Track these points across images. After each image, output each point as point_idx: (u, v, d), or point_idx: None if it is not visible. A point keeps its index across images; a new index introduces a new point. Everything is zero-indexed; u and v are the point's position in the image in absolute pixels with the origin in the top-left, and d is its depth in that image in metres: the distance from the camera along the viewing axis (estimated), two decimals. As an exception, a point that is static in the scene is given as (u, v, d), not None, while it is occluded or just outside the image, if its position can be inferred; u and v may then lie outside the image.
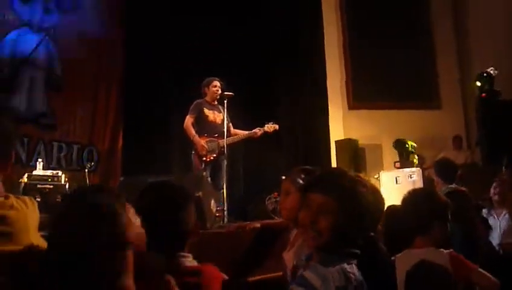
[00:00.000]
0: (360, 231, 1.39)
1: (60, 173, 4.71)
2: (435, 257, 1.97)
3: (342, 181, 1.40)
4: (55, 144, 6.14)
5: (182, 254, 1.49)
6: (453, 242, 2.44)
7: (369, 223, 1.44)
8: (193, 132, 4.71)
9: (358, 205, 1.36)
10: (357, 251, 1.39)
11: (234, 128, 4.88)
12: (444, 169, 4.03)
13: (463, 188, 3.75)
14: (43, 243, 1.46)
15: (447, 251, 2.00)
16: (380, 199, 1.56)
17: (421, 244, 2.03)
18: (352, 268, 1.35)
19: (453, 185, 4.07)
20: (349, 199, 1.36)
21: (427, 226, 2.03)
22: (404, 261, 2.00)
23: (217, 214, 3.84)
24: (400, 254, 2.05)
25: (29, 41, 6.21)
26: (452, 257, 1.96)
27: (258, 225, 2.20)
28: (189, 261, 1.49)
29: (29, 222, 1.42)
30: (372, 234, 1.82)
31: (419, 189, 2.31)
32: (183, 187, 1.65)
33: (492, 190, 3.74)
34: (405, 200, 2.17)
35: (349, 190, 1.38)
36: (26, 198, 1.48)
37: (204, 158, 4.64)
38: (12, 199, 1.40)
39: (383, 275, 1.79)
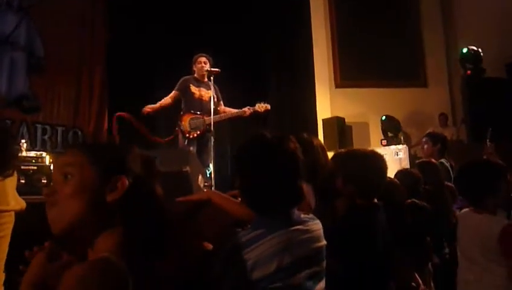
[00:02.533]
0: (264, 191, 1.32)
1: (44, 154, 4.63)
2: (489, 224, 2.08)
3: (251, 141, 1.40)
4: (39, 126, 6.05)
5: None
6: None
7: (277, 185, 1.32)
8: (162, 101, 4.74)
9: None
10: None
11: (225, 105, 4.85)
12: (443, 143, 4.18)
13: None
14: (21, 203, 1.45)
15: (505, 222, 2.09)
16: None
17: (479, 210, 2.17)
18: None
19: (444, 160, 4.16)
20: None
21: (482, 200, 2.16)
22: (462, 225, 2.24)
23: (205, 190, 3.81)
24: (461, 212, 2.30)
25: (8, 22, 6.05)
26: (504, 229, 2.01)
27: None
28: None
29: (6, 181, 1.40)
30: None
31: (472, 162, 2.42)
32: None
33: None
34: (459, 171, 2.38)
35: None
36: None
37: (187, 135, 4.61)
38: None
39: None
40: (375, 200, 1.90)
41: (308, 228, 1.35)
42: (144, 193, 1.04)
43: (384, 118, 6.57)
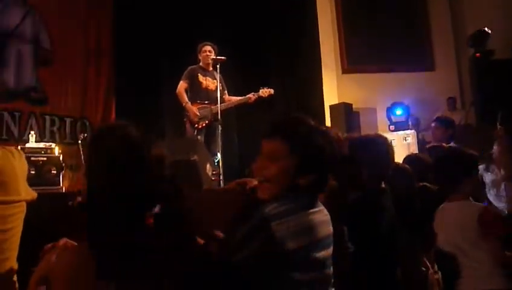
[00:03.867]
0: (313, 181, 1.35)
1: (53, 145, 4.67)
2: (465, 209, 2.16)
3: (294, 128, 1.37)
4: (47, 117, 6.08)
5: None
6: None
7: (324, 173, 1.40)
8: (185, 98, 4.67)
9: (311, 151, 1.34)
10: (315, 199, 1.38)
11: (229, 94, 4.84)
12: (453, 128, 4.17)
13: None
14: (31, 193, 1.46)
15: (480, 204, 2.22)
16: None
17: (454, 198, 2.22)
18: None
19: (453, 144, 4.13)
20: (302, 145, 1.33)
21: (458, 183, 2.22)
22: (440, 215, 2.26)
23: (213, 178, 3.83)
24: (439, 208, 2.29)
25: (14, 15, 6.07)
26: (481, 212, 2.11)
27: (255, 182, 2.17)
28: None
29: (17, 171, 1.41)
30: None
31: (446, 149, 2.54)
32: None
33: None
34: (435, 162, 2.47)
35: (303, 137, 1.35)
36: (13, 148, 1.47)
37: (196, 125, 4.62)
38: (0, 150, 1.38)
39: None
40: (383, 185, 1.91)
41: (325, 211, 1.43)
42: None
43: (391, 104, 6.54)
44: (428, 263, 2.34)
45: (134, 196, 1.09)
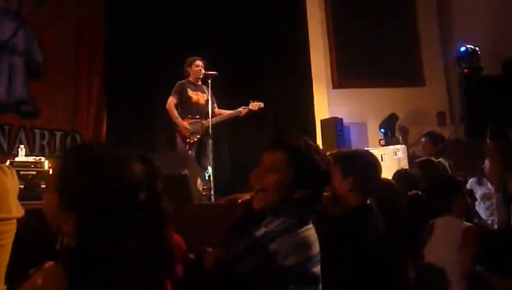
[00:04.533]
0: (308, 196, 1.41)
1: (42, 159, 4.63)
2: (452, 225, 2.32)
3: (296, 143, 1.45)
4: (37, 131, 6.04)
5: None
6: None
7: (318, 189, 1.47)
8: (176, 113, 4.67)
9: (309, 166, 1.40)
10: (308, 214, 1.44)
11: (218, 108, 4.85)
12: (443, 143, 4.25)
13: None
14: (21, 210, 1.44)
15: (468, 224, 2.36)
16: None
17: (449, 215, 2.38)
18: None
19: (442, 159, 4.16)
20: (301, 159, 1.41)
21: (450, 204, 2.38)
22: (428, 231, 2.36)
23: (204, 193, 3.82)
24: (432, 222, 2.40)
25: (6, 28, 6.06)
26: (465, 231, 2.28)
27: (248, 196, 2.17)
28: None
29: (9, 189, 1.39)
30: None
31: (438, 175, 2.68)
32: None
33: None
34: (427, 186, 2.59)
35: (302, 152, 1.42)
36: (4, 166, 1.45)
37: (188, 140, 4.61)
38: None
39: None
40: (368, 201, 1.92)
41: (313, 229, 1.47)
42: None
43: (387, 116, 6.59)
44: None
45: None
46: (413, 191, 2.72)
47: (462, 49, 6.53)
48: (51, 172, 4.14)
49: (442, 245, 2.27)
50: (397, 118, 6.72)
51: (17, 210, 1.42)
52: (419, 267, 2.36)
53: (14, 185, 1.45)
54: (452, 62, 6.98)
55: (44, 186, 4.22)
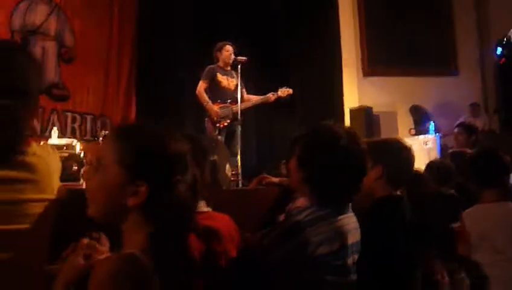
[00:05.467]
0: (334, 183, 1.39)
1: (74, 141, 4.71)
2: (505, 210, 2.16)
3: (324, 133, 1.47)
4: (69, 114, 6.18)
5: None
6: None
7: (346, 179, 1.43)
8: (206, 98, 4.67)
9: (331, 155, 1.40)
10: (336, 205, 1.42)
11: (247, 93, 4.83)
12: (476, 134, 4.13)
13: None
14: (64, 191, 1.46)
15: None
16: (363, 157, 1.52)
17: (491, 199, 2.20)
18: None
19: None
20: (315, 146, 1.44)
21: (497, 184, 2.23)
22: (475, 215, 2.22)
23: (232, 179, 3.82)
24: (469, 210, 2.26)
25: (39, 12, 6.17)
26: None
27: (276, 179, 2.17)
28: (203, 207, 1.49)
29: (51, 169, 1.40)
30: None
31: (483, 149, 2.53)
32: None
33: None
34: (471, 163, 2.43)
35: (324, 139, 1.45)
36: (48, 146, 1.47)
37: (217, 124, 4.61)
38: (35, 146, 1.38)
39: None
40: (398, 192, 1.87)
41: (354, 218, 1.49)
42: (164, 201, 1.03)
43: (412, 107, 6.45)
44: (444, 272, 2.30)
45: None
46: (449, 192, 2.65)
47: (499, 38, 6.31)
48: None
49: (493, 231, 2.15)
50: (421, 108, 6.55)
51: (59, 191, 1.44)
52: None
53: (57, 166, 1.46)
54: (488, 52, 6.77)
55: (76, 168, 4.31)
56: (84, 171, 1.12)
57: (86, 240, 1.12)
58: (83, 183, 4.10)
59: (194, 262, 1.25)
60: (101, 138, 5.33)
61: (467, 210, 2.26)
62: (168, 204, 1.03)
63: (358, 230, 1.49)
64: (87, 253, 1.07)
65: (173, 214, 1.04)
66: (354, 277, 1.43)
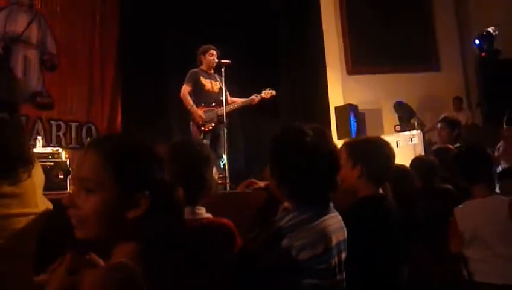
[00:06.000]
0: (307, 182, 1.39)
1: (60, 149, 4.69)
2: (495, 204, 2.16)
3: (289, 134, 1.47)
4: (53, 122, 6.12)
5: (198, 207, 1.52)
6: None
7: (318, 176, 1.41)
8: (190, 101, 4.67)
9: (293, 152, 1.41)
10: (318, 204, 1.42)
11: (231, 96, 4.84)
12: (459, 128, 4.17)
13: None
14: (47, 204, 1.44)
15: (508, 198, 2.17)
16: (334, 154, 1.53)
17: (481, 193, 2.21)
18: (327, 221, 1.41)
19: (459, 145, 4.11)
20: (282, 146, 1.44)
21: (484, 180, 2.24)
22: (467, 212, 2.22)
23: (219, 182, 3.82)
24: (461, 206, 2.26)
25: (20, 20, 6.11)
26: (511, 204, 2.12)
27: (262, 184, 2.18)
28: (205, 213, 1.53)
29: (36, 183, 1.40)
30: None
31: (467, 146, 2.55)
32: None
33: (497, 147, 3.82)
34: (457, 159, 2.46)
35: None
36: None
37: (202, 128, 4.62)
38: None
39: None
40: (381, 190, 1.89)
41: (339, 216, 1.48)
42: (165, 206, 1.01)
43: (396, 104, 6.51)
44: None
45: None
46: (443, 186, 2.69)
47: (479, 32, 6.38)
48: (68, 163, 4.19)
49: (484, 226, 2.16)
50: (405, 104, 6.61)
51: (42, 204, 1.42)
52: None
53: (39, 178, 1.45)
54: (469, 46, 6.86)
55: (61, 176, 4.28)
56: (67, 199, 1.06)
57: (70, 254, 1.09)
58: (68, 192, 4.08)
59: (183, 267, 1.25)
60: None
61: (458, 207, 2.28)
62: (167, 210, 1.01)
63: (344, 229, 1.48)
64: (72, 267, 1.03)
65: (169, 220, 1.02)
66: (340, 276, 1.43)
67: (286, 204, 1.87)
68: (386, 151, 1.92)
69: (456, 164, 2.46)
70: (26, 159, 1.34)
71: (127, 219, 0.97)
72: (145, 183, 0.98)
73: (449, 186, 2.76)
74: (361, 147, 1.93)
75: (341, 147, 2.01)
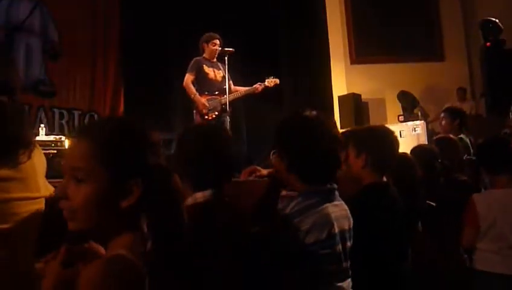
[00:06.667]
0: (312, 161, 1.44)
1: (63, 137, 4.69)
2: None
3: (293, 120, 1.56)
4: (56, 110, 6.13)
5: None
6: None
7: (322, 155, 1.47)
8: (193, 90, 4.65)
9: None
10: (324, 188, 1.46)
11: (234, 84, 4.82)
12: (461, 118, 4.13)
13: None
14: (50, 188, 1.44)
15: None
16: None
17: (503, 185, 2.21)
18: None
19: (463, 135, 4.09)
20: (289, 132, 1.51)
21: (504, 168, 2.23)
22: (488, 202, 2.20)
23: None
24: (481, 194, 2.28)
25: (23, 8, 6.09)
26: None
27: (265, 171, 2.18)
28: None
29: (36, 167, 1.39)
30: None
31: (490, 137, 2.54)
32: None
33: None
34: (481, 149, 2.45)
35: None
36: None
37: (206, 116, 4.60)
38: None
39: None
40: (384, 178, 1.89)
41: (344, 205, 1.52)
42: (160, 191, 0.98)
43: (399, 93, 6.49)
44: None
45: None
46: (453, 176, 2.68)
47: (483, 21, 6.33)
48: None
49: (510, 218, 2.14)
50: (409, 94, 6.59)
51: (45, 188, 1.42)
52: None
53: (41, 163, 1.44)
54: (473, 35, 6.81)
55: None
56: (59, 190, 1.01)
57: (64, 248, 1.06)
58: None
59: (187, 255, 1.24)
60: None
61: (478, 195, 2.27)
62: (162, 196, 0.98)
63: (349, 218, 1.51)
64: (67, 261, 1.02)
65: (166, 207, 0.99)
66: (345, 264, 1.46)
67: (284, 192, 1.90)
68: (390, 140, 1.92)
69: (479, 155, 2.47)
70: (26, 141, 1.33)
71: (121, 208, 0.94)
72: (138, 169, 0.95)
73: (465, 178, 2.76)
74: (366, 136, 1.94)
75: (345, 135, 2.01)
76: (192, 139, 1.49)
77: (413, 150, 2.93)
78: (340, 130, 2.08)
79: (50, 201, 1.42)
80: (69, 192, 0.94)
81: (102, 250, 1.04)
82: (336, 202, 1.48)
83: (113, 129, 0.99)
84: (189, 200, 1.37)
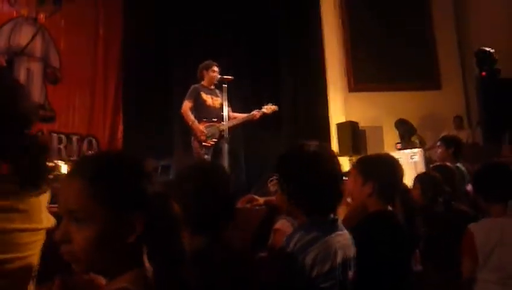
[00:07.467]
0: (315, 193, 1.45)
1: (60, 163, 4.70)
2: None
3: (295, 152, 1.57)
4: (55, 135, 6.14)
5: None
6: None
7: (324, 186, 1.47)
8: (192, 117, 4.68)
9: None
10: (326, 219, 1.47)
11: (232, 111, 4.85)
12: (457, 146, 4.14)
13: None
14: (51, 220, 1.44)
15: None
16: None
17: (499, 213, 2.15)
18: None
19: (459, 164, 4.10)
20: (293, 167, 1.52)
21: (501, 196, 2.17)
22: (486, 231, 2.13)
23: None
24: (478, 224, 2.19)
25: (24, 33, 6.17)
26: None
27: (261, 200, 2.19)
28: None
29: (40, 198, 1.40)
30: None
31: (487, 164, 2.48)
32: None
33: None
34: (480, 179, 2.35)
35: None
36: None
37: (204, 143, 4.62)
38: None
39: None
40: (389, 207, 1.89)
41: (347, 234, 1.51)
42: (160, 221, 0.95)
43: (397, 121, 6.52)
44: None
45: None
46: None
47: (478, 51, 6.42)
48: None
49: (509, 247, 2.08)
50: (407, 122, 6.64)
51: (47, 220, 1.42)
52: None
53: (45, 196, 1.45)
54: (469, 64, 6.90)
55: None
56: (58, 235, 0.96)
57: (59, 280, 1.06)
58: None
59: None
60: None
61: (474, 225, 2.20)
62: (162, 224, 0.94)
63: (353, 247, 1.51)
64: None
65: (167, 234, 0.95)
66: None
67: (278, 225, 1.90)
68: (396, 169, 1.92)
69: (475, 182, 2.40)
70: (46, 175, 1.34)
71: (125, 245, 0.91)
72: (137, 202, 0.92)
73: (465, 208, 2.76)
74: (373, 164, 1.95)
75: (351, 164, 2.05)
76: (191, 178, 1.45)
77: (420, 177, 2.94)
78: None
79: (51, 232, 1.42)
80: (70, 235, 0.90)
81: (101, 280, 1.03)
82: (339, 232, 1.48)
83: (102, 164, 0.96)
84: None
